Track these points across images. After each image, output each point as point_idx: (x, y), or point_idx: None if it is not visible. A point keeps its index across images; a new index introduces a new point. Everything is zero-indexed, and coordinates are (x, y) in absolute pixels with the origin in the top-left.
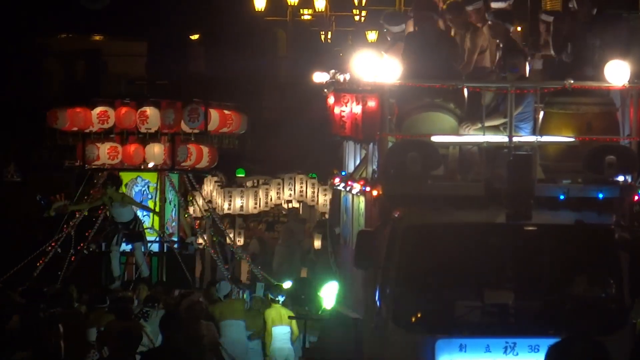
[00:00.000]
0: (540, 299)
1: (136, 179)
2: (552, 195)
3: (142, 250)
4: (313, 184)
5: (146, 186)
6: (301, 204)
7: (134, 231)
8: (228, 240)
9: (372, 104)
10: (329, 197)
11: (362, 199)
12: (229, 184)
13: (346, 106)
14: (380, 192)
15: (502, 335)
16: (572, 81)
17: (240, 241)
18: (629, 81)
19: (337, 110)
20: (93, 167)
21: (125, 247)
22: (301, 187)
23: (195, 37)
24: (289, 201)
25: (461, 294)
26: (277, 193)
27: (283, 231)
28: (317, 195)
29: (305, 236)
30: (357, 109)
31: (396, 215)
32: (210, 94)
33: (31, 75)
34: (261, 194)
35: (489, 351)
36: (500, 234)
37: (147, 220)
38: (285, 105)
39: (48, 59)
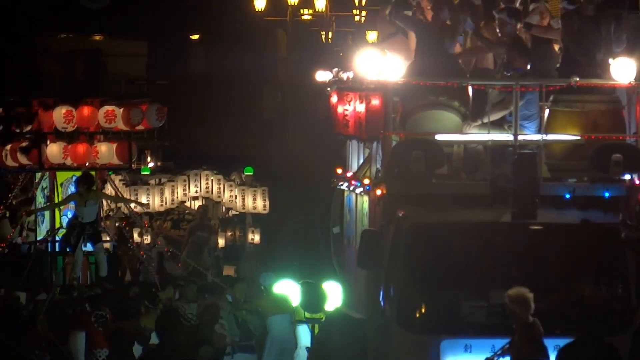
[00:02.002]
0: (545, 298)
1: (71, 178)
2: (557, 194)
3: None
4: (219, 180)
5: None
6: (205, 201)
7: (97, 231)
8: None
9: (375, 102)
10: (235, 192)
11: (365, 198)
12: (134, 182)
13: (349, 105)
14: (384, 192)
15: (507, 336)
16: (577, 79)
17: (147, 239)
18: (635, 79)
19: (340, 109)
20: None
21: (85, 247)
22: (207, 183)
23: (195, 37)
24: (194, 198)
25: (466, 294)
26: (184, 190)
27: (190, 229)
28: (223, 192)
29: (212, 233)
30: (361, 107)
31: (400, 215)
32: (210, 94)
33: (31, 75)
34: (167, 191)
35: (495, 352)
36: (506, 233)
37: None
38: (285, 105)
39: (48, 59)
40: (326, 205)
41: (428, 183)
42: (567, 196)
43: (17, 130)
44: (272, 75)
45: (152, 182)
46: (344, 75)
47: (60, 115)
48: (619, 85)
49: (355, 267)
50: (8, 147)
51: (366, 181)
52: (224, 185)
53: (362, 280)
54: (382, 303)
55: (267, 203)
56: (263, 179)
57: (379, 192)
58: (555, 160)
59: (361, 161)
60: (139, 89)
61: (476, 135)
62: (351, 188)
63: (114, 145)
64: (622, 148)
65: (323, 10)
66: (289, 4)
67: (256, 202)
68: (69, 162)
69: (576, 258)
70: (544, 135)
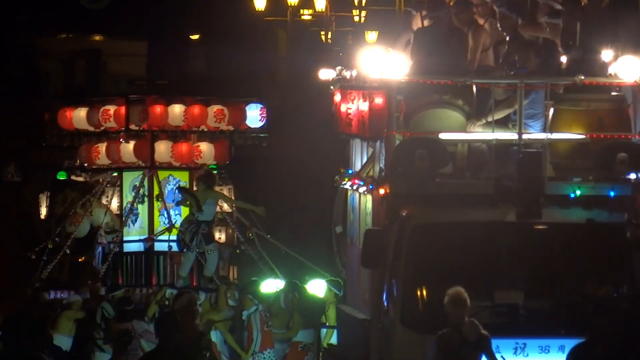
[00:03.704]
0: (550, 298)
1: (168, 177)
2: (562, 193)
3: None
4: None
5: (177, 185)
6: None
7: (211, 231)
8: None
9: (379, 101)
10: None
11: (369, 197)
12: None
13: (353, 103)
14: (388, 191)
15: (511, 336)
16: (582, 77)
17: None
18: None
19: (343, 107)
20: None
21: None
22: None
23: (195, 37)
24: None
25: (470, 293)
26: None
27: None
28: None
29: None
30: (364, 106)
31: (404, 214)
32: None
33: (31, 75)
34: None
35: (499, 352)
36: (510, 233)
37: (176, 219)
38: (285, 105)
39: (48, 59)
40: (327, 205)
41: (432, 182)
42: (572, 195)
43: (122, 128)
44: (272, 75)
45: None
46: (347, 74)
47: (174, 113)
48: (625, 83)
49: (359, 266)
50: (102, 145)
51: (369, 180)
52: None
53: (365, 280)
54: (385, 302)
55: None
56: (263, 179)
57: (382, 191)
58: (560, 159)
59: (364, 160)
60: (139, 89)
61: (480, 134)
62: (354, 187)
63: (214, 145)
64: (627, 147)
65: (323, 10)
66: (289, 4)
67: None
68: (172, 161)
69: (581, 258)
70: (549, 134)
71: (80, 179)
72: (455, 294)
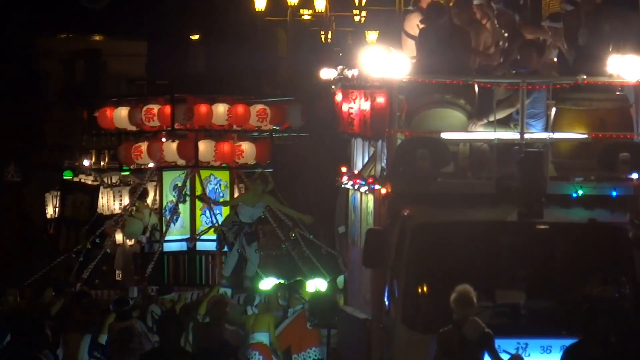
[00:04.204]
0: (552, 299)
1: (209, 176)
2: (564, 193)
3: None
4: None
5: (218, 184)
6: None
7: (254, 231)
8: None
9: (380, 100)
10: None
11: (370, 197)
12: None
13: (354, 103)
14: (389, 190)
15: (513, 336)
16: (584, 76)
17: None
18: None
19: (345, 107)
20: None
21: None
22: None
23: (195, 37)
24: None
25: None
26: None
27: None
28: None
29: None
30: (366, 105)
31: (405, 214)
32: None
33: (31, 75)
34: None
35: (500, 352)
36: (512, 233)
37: (217, 218)
38: None
39: (48, 59)
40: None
41: (433, 182)
42: (574, 195)
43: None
44: (272, 75)
45: None
46: (349, 73)
47: (218, 112)
48: (627, 83)
49: (360, 266)
50: (143, 144)
51: (371, 180)
52: None
53: (366, 280)
54: (386, 302)
55: None
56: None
57: (384, 190)
58: (562, 159)
59: (366, 160)
60: (139, 89)
61: (482, 133)
62: (356, 187)
63: (256, 145)
64: (629, 146)
65: (323, 11)
66: (289, 4)
67: None
68: (213, 160)
69: (583, 258)
70: (551, 134)
71: (90, 179)
72: (462, 293)
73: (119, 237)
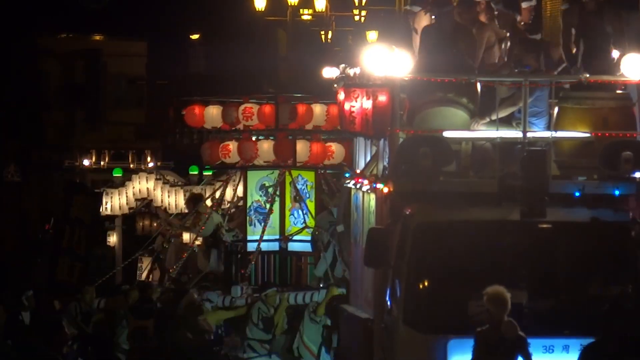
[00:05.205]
0: (554, 298)
1: (297, 177)
2: (567, 192)
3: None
4: None
5: (305, 185)
6: None
7: None
8: None
9: (382, 98)
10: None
11: (372, 196)
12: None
13: (356, 101)
14: (391, 189)
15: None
16: (587, 75)
17: None
18: None
19: (347, 105)
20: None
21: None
22: None
23: (195, 37)
24: None
25: (474, 293)
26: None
27: None
28: None
29: None
30: (368, 104)
31: (407, 213)
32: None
33: (31, 75)
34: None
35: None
36: (514, 232)
37: (307, 219)
38: None
39: (48, 59)
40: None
41: (435, 181)
42: (577, 194)
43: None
44: (272, 75)
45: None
46: (351, 72)
47: (317, 113)
48: (630, 81)
49: (362, 265)
50: (232, 143)
51: (373, 179)
52: None
53: (368, 279)
54: (388, 302)
55: None
56: None
57: (386, 189)
58: (565, 158)
59: (368, 159)
60: (139, 89)
61: (484, 132)
62: (358, 186)
63: (344, 146)
64: (632, 145)
65: (323, 10)
66: (289, 4)
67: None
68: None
69: (586, 257)
70: (553, 133)
71: (145, 175)
72: (496, 293)
73: (185, 236)
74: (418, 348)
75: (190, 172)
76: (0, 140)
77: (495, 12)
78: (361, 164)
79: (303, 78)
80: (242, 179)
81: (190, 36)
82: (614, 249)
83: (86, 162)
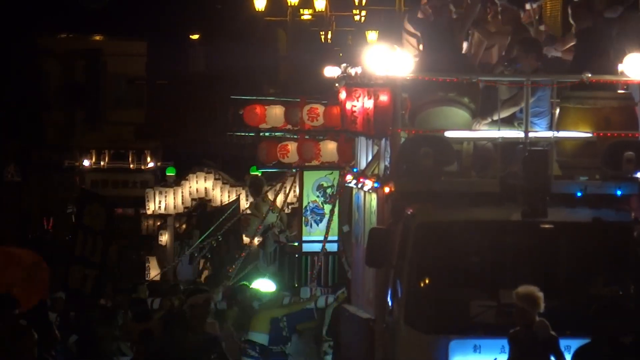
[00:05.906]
0: (556, 298)
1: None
2: (569, 192)
3: None
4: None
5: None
6: None
7: None
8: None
9: (384, 98)
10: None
11: (374, 196)
12: None
13: (357, 101)
14: (393, 189)
15: None
16: (589, 75)
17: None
18: None
19: (348, 105)
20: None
21: None
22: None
23: (195, 36)
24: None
25: (475, 293)
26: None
27: None
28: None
29: None
30: (369, 103)
31: (409, 213)
32: (210, 93)
33: (31, 75)
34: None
35: (504, 352)
36: (516, 232)
37: None
38: None
39: (48, 59)
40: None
41: (437, 180)
42: (579, 194)
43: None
44: (273, 74)
45: None
46: (353, 71)
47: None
48: (632, 81)
49: (363, 265)
50: (291, 143)
51: (374, 179)
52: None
53: (370, 279)
54: (390, 302)
55: None
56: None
57: (387, 189)
58: (567, 158)
59: (370, 158)
60: (139, 89)
61: (486, 132)
62: (359, 186)
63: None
64: (634, 145)
65: (323, 10)
66: (289, 4)
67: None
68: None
69: (587, 257)
70: (555, 133)
71: (203, 175)
72: (528, 293)
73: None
74: (419, 348)
75: (251, 173)
76: (0, 140)
77: (499, 8)
78: (363, 164)
79: (303, 78)
80: (298, 180)
81: (190, 36)
82: (616, 250)
83: (86, 162)
